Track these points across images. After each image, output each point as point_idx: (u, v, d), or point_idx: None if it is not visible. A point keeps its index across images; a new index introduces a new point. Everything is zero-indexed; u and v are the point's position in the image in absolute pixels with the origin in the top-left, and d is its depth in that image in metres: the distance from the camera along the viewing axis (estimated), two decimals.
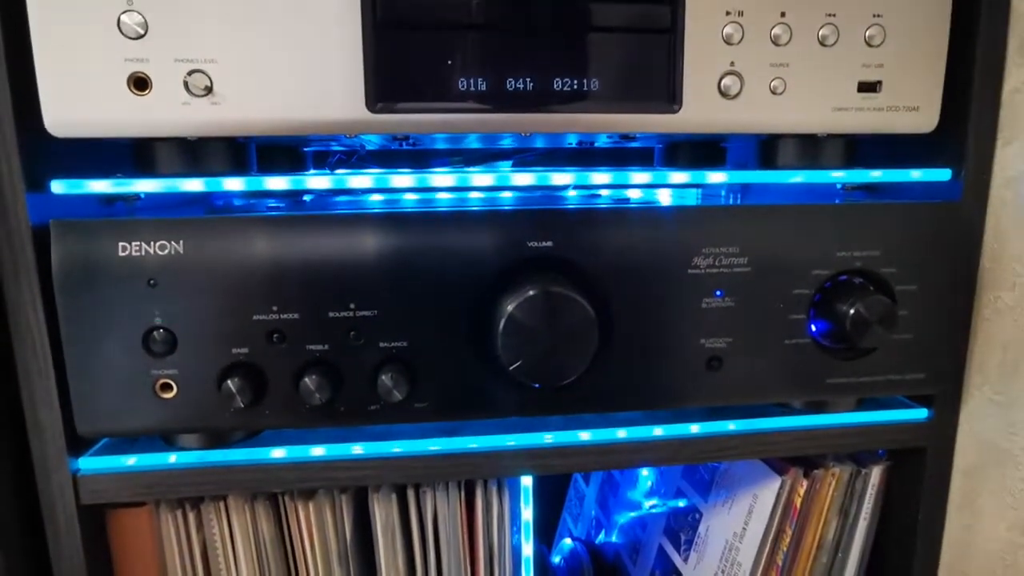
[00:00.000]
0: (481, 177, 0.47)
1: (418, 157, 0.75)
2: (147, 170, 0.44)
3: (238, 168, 0.46)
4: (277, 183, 0.46)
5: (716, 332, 0.46)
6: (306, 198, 0.62)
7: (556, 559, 0.87)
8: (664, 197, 0.66)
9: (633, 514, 0.79)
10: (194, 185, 0.44)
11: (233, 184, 0.44)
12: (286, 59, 0.41)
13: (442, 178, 0.48)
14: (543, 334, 0.41)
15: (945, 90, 0.47)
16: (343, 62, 0.41)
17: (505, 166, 0.78)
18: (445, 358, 0.44)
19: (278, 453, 0.46)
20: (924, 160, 0.50)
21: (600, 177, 0.48)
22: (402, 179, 0.48)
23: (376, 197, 0.63)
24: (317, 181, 0.48)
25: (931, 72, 0.47)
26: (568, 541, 0.88)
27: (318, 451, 0.47)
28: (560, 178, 0.47)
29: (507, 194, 0.63)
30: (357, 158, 0.73)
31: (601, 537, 0.87)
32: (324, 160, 0.72)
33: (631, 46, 0.44)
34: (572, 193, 0.63)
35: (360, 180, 0.47)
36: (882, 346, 0.47)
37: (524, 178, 0.47)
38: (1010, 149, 0.48)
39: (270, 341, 0.42)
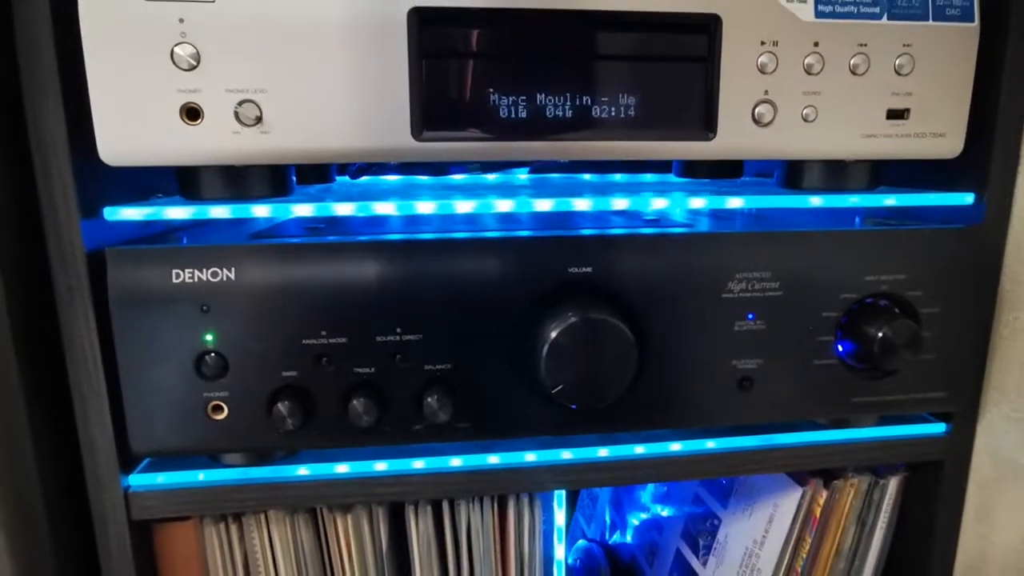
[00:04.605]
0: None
1: (437, 163, 0.76)
2: (191, 193, 0.45)
3: (279, 186, 0.47)
4: (304, 210, 0.46)
5: (748, 353, 0.47)
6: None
7: (570, 559, 0.88)
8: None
9: (646, 516, 0.81)
10: (226, 212, 0.45)
11: (264, 211, 0.45)
12: (333, 89, 0.42)
13: (464, 204, 0.48)
14: (584, 358, 0.42)
15: (970, 115, 0.49)
16: (389, 92, 0.42)
17: (522, 172, 0.79)
18: (488, 380, 0.45)
19: (319, 470, 0.48)
20: (947, 183, 0.52)
21: (619, 203, 0.49)
22: (425, 205, 0.47)
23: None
24: (343, 207, 0.48)
25: (957, 100, 0.48)
26: (583, 541, 0.89)
27: (358, 468, 0.48)
28: (580, 203, 0.48)
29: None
30: (378, 165, 0.73)
31: (616, 538, 0.88)
32: (347, 165, 0.73)
33: (669, 75, 0.45)
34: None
35: (385, 207, 0.47)
36: (906, 367, 0.48)
37: (544, 204, 0.48)
38: None
39: (319, 364, 0.43)
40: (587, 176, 0.76)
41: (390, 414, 0.44)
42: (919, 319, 0.48)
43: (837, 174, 0.51)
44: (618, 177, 0.75)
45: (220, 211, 0.44)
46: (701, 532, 0.69)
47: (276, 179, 0.47)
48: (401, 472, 0.48)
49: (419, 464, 0.49)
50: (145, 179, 0.47)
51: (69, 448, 0.45)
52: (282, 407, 0.42)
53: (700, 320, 0.46)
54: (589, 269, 0.44)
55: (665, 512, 0.76)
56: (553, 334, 0.41)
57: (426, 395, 0.43)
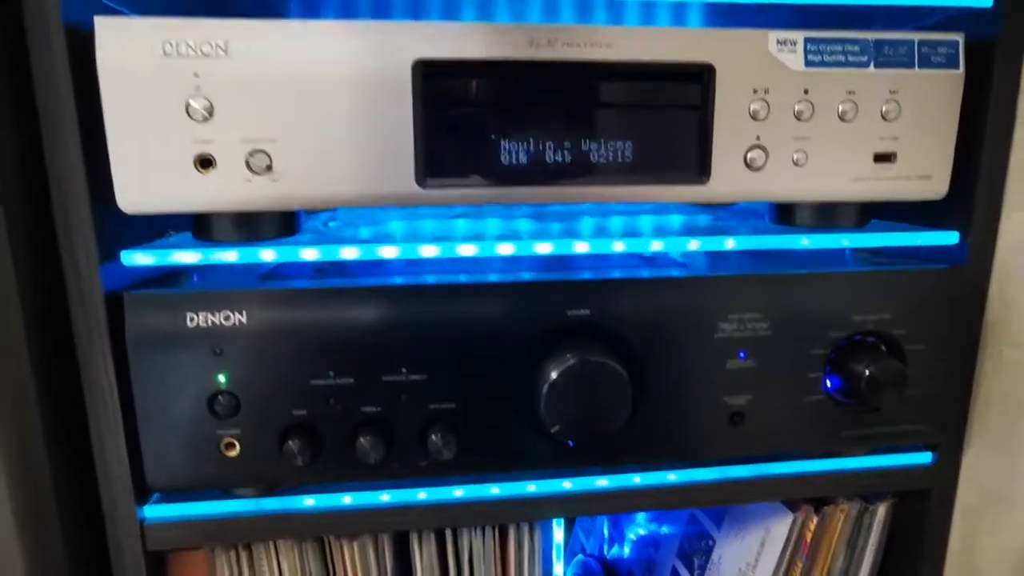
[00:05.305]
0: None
1: None
2: (203, 234, 0.47)
3: (287, 225, 0.48)
4: (311, 253, 0.47)
5: (739, 390, 0.49)
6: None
7: (569, 574, 0.90)
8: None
9: (644, 531, 0.83)
10: (236, 256, 0.46)
11: (272, 255, 0.46)
12: (341, 139, 0.43)
13: (467, 247, 0.48)
14: (582, 399, 0.44)
15: (955, 157, 0.50)
16: (394, 141, 0.44)
17: None
18: (489, 418, 0.47)
19: (326, 502, 0.49)
20: (933, 221, 0.53)
21: (618, 245, 0.50)
22: (429, 249, 0.48)
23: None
24: (349, 252, 0.49)
25: (943, 143, 0.50)
26: (581, 556, 0.91)
27: (364, 499, 0.50)
28: (580, 246, 0.49)
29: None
30: None
31: (614, 551, 0.90)
32: None
33: (665, 122, 0.47)
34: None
35: (389, 251, 0.48)
36: (893, 402, 0.50)
37: (544, 247, 0.49)
38: (1015, 215, 0.51)
39: (327, 403, 0.45)
40: None
41: (396, 451, 0.46)
42: (905, 356, 0.50)
43: (828, 211, 0.53)
44: None
45: (230, 255, 0.46)
46: (696, 551, 0.71)
47: (285, 219, 0.48)
48: (405, 503, 0.50)
49: (422, 495, 0.50)
50: (157, 216, 0.49)
51: (87, 481, 0.46)
52: (292, 444, 0.44)
53: (693, 359, 0.48)
54: (587, 311, 0.46)
55: (662, 530, 0.78)
56: (552, 375, 0.43)
57: (430, 433, 0.45)
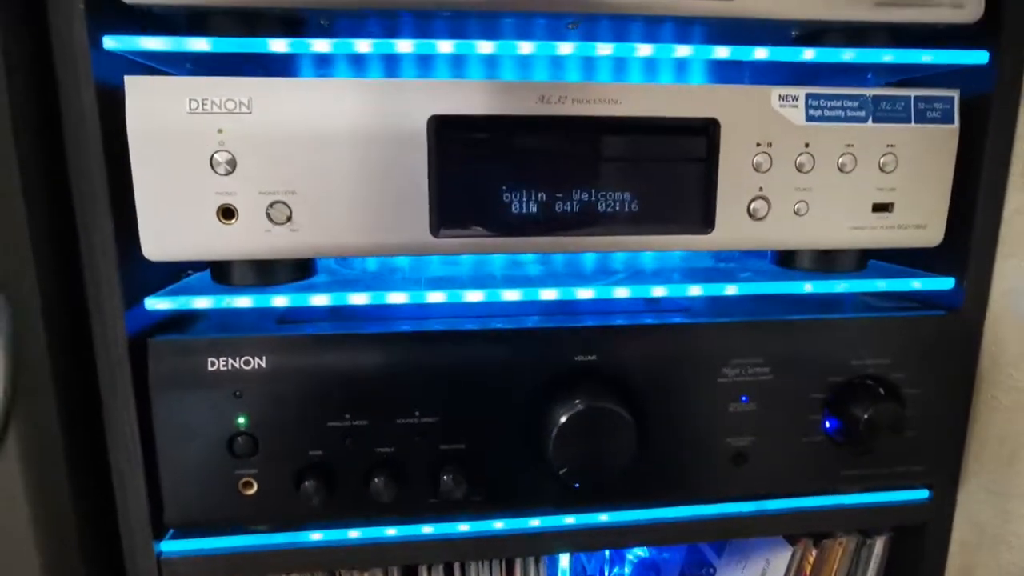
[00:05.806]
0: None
1: None
2: (223, 280, 0.49)
3: (304, 269, 0.50)
4: (322, 299, 0.49)
5: (741, 432, 0.51)
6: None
7: None
8: None
9: (644, 554, 0.84)
10: (253, 302, 0.47)
11: (285, 301, 0.47)
12: (358, 191, 0.45)
13: (474, 294, 0.50)
14: (590, 443, 0.45)
15: (952, 206, 0.52)
16: (409, 193, 0.45)
17: None
18: (499, 459, 0.48)
19: (338, 536, 0.51)
20: (930, 265, 0.55)
21: (621, 291, 0.51)
22: (436, 295, 0.49)
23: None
24: (358, 298, 0.50)
25: (938, 194, 0.51)
26: None
27: (373, 533, 0.51)
28: (584, 292, 0.51)
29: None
30: None
31: (616, 571, 0.91)
32: None
33: (671, 174, 0.48)
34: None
35: (397, 296, 0.50)
36: (891, 444, 0.52)
37: (549, 293, 0.50)
38: (1009, 263, 0.52)
39: (343, 444, 0.46)
40: None
41: (408, 490, 0.47)
42: (903, 400, 0.51)
43: (828, 255, 0.54)
44: None
45: (247, 301, 0.47)
46: None
47: (302, 264, 0.50)
48: (414, 538, 0.51)
49: (429, 530, 0.52)
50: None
51: (107, 514, 0.48)
52: (308, 484, 0.45)
53: (697, 403, 0.50)
54: (593, 357, 0.47)
55: (663, 555, 0.80)
56: (560, 420, 0.45)
57: (442, 473, 0.47)
